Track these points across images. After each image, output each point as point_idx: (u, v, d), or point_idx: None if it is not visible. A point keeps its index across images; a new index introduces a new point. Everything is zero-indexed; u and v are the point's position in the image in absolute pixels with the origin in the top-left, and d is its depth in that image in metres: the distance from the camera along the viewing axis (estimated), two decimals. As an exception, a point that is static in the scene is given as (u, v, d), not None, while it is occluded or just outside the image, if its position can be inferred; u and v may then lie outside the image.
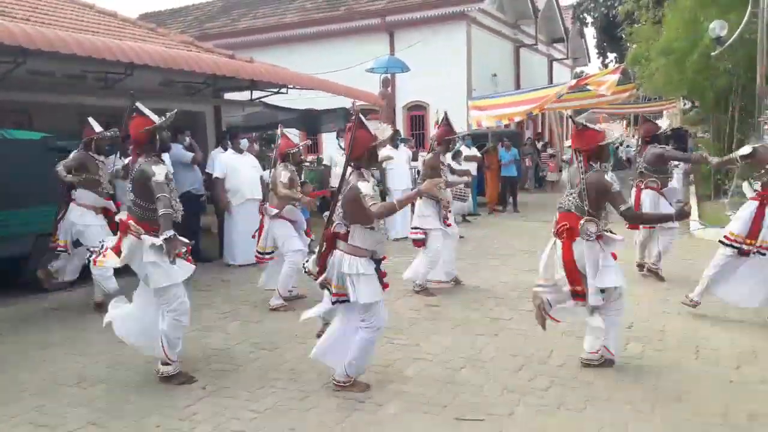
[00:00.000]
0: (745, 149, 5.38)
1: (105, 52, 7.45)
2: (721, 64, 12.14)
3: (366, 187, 3.82)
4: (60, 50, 6.96)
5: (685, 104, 20.14)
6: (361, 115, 4.07)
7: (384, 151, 10.30)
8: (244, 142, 8.44)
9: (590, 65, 28.01)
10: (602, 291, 4.19)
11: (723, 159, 6.14)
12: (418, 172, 13.90)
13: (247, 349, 4.98)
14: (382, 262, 4.07)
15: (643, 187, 6.84)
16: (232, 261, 8.32)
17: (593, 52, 27.76)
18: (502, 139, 13.79)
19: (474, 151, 12.70)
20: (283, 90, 12.07)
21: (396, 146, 10.44)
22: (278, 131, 6.42)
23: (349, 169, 4.01)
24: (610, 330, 4.29)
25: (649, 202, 6.73)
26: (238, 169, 8.26)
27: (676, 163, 13.65)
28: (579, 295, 4.24)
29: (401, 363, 4.55)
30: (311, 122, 13.54)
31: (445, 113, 6.82)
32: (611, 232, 4.27)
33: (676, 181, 14.76)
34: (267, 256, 6.26)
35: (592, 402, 3.86)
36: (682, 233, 10.13)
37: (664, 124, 7.61)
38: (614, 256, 4.26)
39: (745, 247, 5.19)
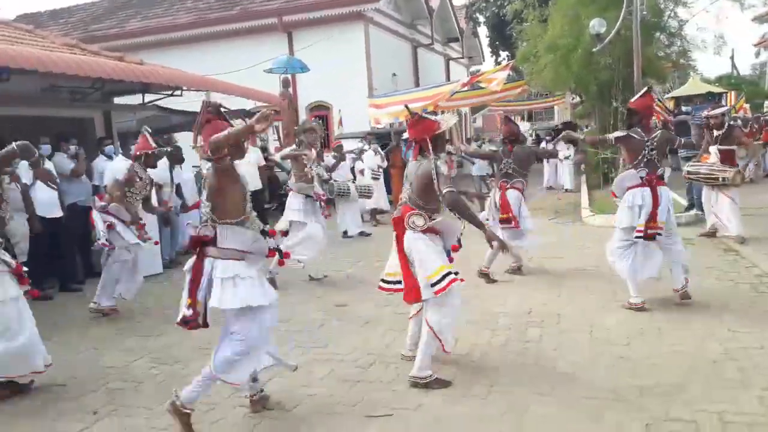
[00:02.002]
0: (619, 132, 5.74)
1: None
2: (602, 59, 12.90)
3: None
4: None
5: (573, 98, 21.28)
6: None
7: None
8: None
9: (485, 64, 28.98)
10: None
11: (598, 137, 6.55)
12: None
13: (147, 365, 4.75)
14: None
15: (508, 187, 6.90)
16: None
17: (487, 51, 28.77)
18: (405, 138, 13.97)
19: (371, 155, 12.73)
20: (177, 92, 11.65)
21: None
22: (143, 131, 6.41)
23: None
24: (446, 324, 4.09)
25: (514, 203, 6.82)
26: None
27: (566, 153, 14.57)
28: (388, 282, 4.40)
29: (310, 365, 4.50)
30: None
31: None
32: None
33: (567, 171, 15.73)
34: None
35: (496, 387, 3.99)
36: (574, 221, 10.75)
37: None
38: (454, 249, 4.22)
39: (650, 231, 5.37)
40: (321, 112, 18.38)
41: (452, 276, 4.00)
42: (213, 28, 18.45)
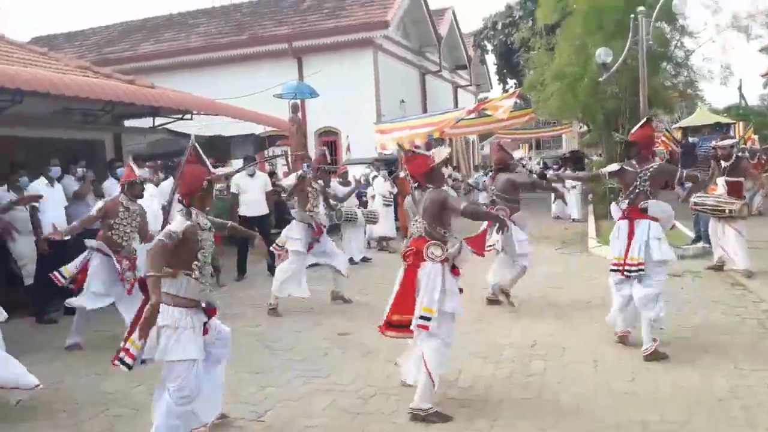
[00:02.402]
0: (613, 166, 5.54)
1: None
2: (609, 88, 12.98)
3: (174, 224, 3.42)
4: None
5: (580, 127, 21.35)
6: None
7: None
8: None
9: (492, 91, 29.20)
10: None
11: (591, 174, 6.39)
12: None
13: (148, 391, 4.69)
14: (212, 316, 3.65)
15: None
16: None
17: (495, 78, 29.01)
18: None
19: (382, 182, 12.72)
20: (187, 116, 11.76)
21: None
22: (129, 160, 6.31)
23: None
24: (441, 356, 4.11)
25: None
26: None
27: (573, 183, 14.54)
28: (395, 326, 4.26)
29: (311, 396, 4.47)
30: (221, 149, 13.25)
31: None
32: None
33: (574, 201, 15.68)
34: None
35: (498, 421, 3.95)
36: (581, 252, 10.70)
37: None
38: (456, 273, 4.21)
39: (626, 268, 5.11)
40: (329, 137, 18.50)
41: (431, 323, 4.00)
42: (224, 53, 18.70)
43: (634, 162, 5.29)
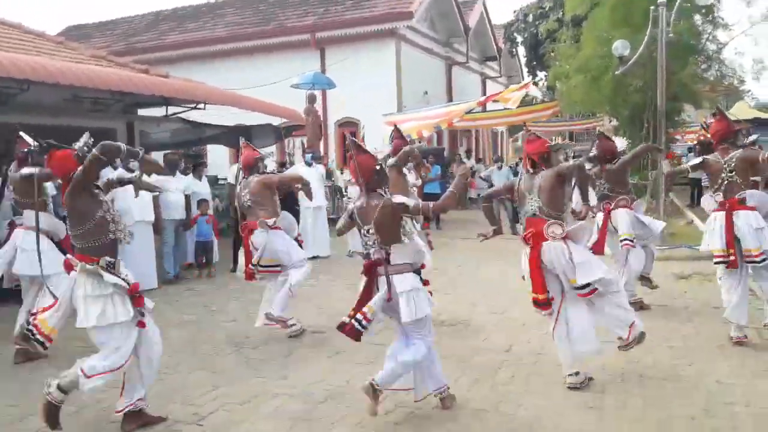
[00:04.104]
0: (695, 159, 5.59)
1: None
2: (634, 82, 12.44)
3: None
4: None
5: (610, 121, 20.64)
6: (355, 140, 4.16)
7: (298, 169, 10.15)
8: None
9: (532, 88, 28.52)
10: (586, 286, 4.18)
11: (675, 169, 6.49)
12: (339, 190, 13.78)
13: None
14: None
15: (612, 207, 6.15)
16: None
17: (525, 70, 28.30)
18: (426, 156, 13.75)
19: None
20: (201, 105, 11.73)
21: (309, 164, 10.26)
22: (241, 143, 6.32)
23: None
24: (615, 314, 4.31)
25: (629, 221, 6.05)
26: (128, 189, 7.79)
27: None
28: (541, 304, 4.27)
29: (260, 399, 4.29)
30: (241, 137, 13.22)
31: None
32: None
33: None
34: (272, 269, 5.82)
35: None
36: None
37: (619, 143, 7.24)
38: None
39: (731, 258, 5.10)
40: (349, 128, 18.34)
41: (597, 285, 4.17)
42: (248, 43, 18.71)
43: (717, 154, 5.31)
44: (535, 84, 25.09)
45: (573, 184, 4.45)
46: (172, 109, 12.01)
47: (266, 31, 18.71)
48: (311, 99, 15.12)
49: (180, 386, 4.51)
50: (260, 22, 19.18)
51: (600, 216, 6.23)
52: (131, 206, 7.81)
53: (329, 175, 11.08)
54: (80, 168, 3.68)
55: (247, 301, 6.95)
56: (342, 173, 13.63)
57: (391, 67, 17.73)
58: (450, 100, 21.30)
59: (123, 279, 3.75)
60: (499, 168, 13.01)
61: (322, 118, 17.39)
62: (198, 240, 8.92)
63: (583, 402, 4.09)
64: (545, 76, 24.42)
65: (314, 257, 9.01)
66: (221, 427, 3.86)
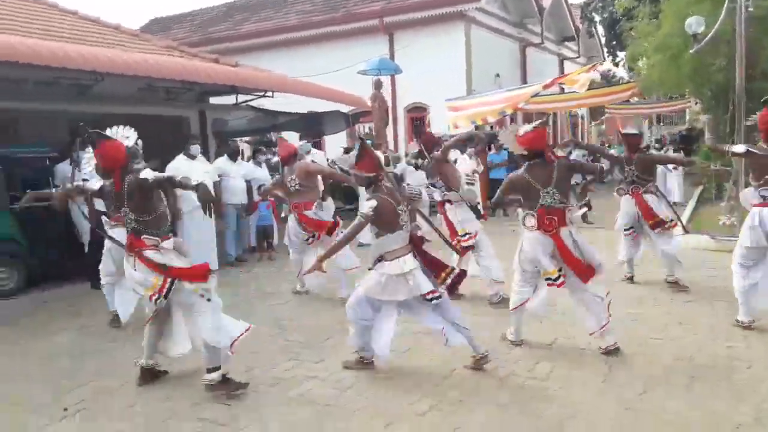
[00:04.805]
0: (739, 147, 5.26)
1: (72, 61, 7.43)
2: (717, 61, 11.60)
3: None
4: (21, 60, 6.98)
5: (696, 103, 19.42)
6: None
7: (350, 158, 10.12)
8: (195, 148, 8.23)
9: (605, 64, 27.22)
10: None
11: (717, 145, 6.07)
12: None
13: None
14: None
15: (642, 192, 6.57)
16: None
17: (605, 51, 27.06)
18: (493, 141, 13.44)
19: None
20: (269, 93, 11.96)
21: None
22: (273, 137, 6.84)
23: None
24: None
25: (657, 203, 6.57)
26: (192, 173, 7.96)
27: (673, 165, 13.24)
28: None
29: (290, 382, 4.35)
30: (313, 125, 13.45)
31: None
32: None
33: (676, 182, 14.35)
34: None
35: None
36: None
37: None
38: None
39: None
40: (418, 113, 18.21)
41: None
42: (318, 30, 18.89)
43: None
44: (616, 65, 23.96)
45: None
46: (241, 98, 12.33)
47: (335, 18, 18.81)
48: (377, 85, 15.10)
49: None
50: (329, 10, 19.30)
51: (627, 198, 6.66)
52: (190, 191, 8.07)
53: (389, 161, 11.00)
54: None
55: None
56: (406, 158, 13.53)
57: (460, 50, 17.43)
58: (524, 82, 20.68)
59: None
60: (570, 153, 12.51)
61: (390, 104, 17.36)
62: (259, 224, 9.15)
63: (622, 401, 3.87)
64: (624, 57, 23.29)
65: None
66: (247, 408, 3.93)
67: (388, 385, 4.23)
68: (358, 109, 14.80)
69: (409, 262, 4.21)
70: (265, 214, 9.14)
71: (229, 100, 12.56)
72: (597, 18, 25.26)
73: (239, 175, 9.02)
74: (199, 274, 4.02)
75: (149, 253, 4.01)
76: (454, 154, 11.56)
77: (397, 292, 4.23)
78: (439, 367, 4.50)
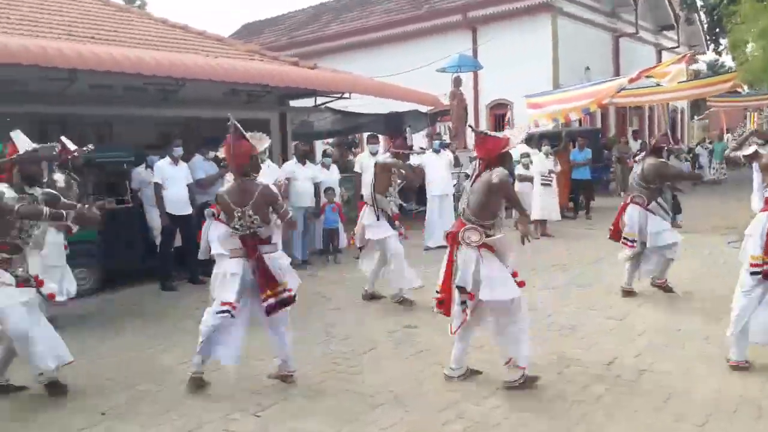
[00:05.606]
0: (749, 148, 4.70)
1: (150, 68, 7.81)
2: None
3: None
4: (111, 69, 7.41)
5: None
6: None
7: (420, 159, 9.93)
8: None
9: (708, 53, 25.36)
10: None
11: (728, 155, 5.45)
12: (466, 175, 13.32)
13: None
14: None
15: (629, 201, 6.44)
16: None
17: (707, 39, 25.10)
18: (574, 139, 12.79)
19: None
20: (346, 95, 12.00)
21: (437, 151, 10.05)
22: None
23: None
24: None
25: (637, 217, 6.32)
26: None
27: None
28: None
29: (323, 395, 4.24)
30: (395, 124, 13.48)
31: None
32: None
33: None
34: None
35: None
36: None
37: None
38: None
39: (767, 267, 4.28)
40: (501, 110, 17.74)
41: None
42: (402, 29, 18.88)
43: None
44: (719, 53, 22.21)
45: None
46: (320, 100, 12.46)
47: (419, 15, 18.70)
48: (456, 83, 14.86)
49: (248, 374, 4.55)
50: (412, 8, 19.20)
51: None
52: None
53: (458, 162, 10.73)
54: None
55: (357, 289, 6.97)
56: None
57: (546, 42, 16.84)
58: (617, 74, 19.64)
59: None
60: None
61: (473, 101, 17.02)
62: (325, 227, 9.17)
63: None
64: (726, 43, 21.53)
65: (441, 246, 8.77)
66: (276, 419, 3.88)
67: (416, 404, 4.04)
68: (437, 108, 14.63)
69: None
70: (332, 217, 9.15)
71: (309, 102, 12.74)
72: (699, 3, 23.48)
73: (307, 177, 9.09)
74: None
75: None
76: (531, 152, 11.11)
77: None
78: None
